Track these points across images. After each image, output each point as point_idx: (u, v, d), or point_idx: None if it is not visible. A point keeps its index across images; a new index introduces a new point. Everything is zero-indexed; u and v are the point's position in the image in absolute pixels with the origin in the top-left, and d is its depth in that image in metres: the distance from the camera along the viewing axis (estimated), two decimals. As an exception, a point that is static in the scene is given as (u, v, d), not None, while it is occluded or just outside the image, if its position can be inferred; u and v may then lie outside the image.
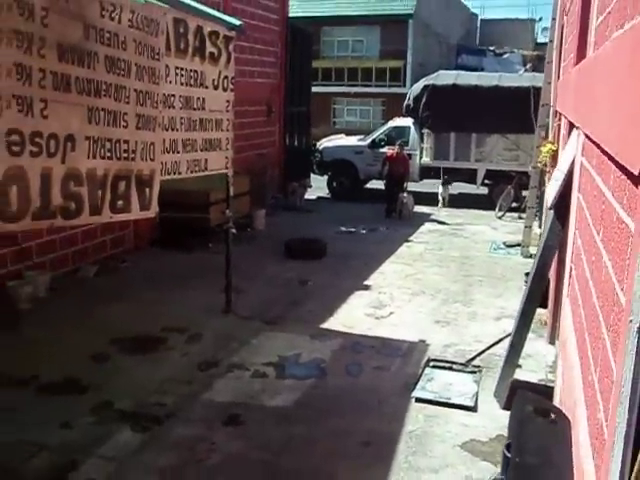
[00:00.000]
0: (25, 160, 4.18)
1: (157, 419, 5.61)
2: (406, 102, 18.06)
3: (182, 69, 6.65)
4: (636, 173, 1.91)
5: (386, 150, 16.50)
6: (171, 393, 6.09)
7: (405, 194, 15.34)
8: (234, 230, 8.23)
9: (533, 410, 3.51)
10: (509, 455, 3.38)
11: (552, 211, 6.13)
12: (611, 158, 2.72)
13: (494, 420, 5.66)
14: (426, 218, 15.24)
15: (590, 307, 3.34)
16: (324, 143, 19.73)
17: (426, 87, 17.15)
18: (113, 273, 9.99)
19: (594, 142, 3.57)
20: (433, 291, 9.48)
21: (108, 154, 5.13)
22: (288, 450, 5.19)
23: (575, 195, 5.19)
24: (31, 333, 7.38)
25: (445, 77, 17.69)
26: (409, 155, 16.17)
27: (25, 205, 4.24)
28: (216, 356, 6.96)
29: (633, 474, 1.64)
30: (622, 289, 2.32)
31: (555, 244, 6.12)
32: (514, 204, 15.48)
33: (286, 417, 5.72)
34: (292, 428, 5.53)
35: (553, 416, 3.50)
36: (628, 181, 2.37)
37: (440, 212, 16.01)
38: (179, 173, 6.80)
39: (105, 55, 4.95)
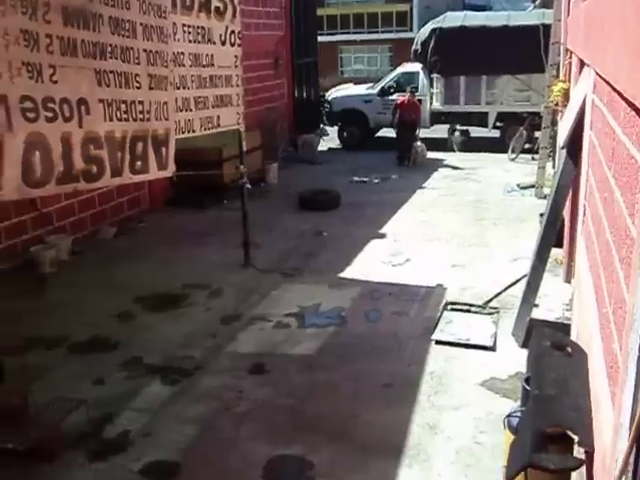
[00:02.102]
0: (42, 126, 4.25)
1: (185, 372, 5.80)
2: (414, 47, 17.80)
3: (189, 26, 6.63)
4: (643, 108, 1.96)
5: (396, 97, 16.35)
6: (197, 346, 6.27)
7: (418, 142, 15.29)
8: (248, 185, 8.30)
9: (550, 345, 3.61)
10: (528, 388, 3.50)
11: (564, 150, 6.13)
12: (620, 95, 2.75)
13: (513, 358, 5.79)
14: (439, 164, 15.20)
15: (604, 243, 3.41)
16: (333, 93, 19.58)
17: (434, 30, 16.87)
18: (131, 234, 10.14)
19: (604, 79, 3.58)
20: (448, 236, 9.54)
21: (124, 116, 5.19)
22: (312, 395, 5.37)
23: (587, 133, 5.20)
24: (57, 296, 7.57)
25: (453, 19, 17.38)
26: (419, 101, 16.01)
27: (49, 170, 4.33)
28: (238, 309, 7.12)
29: None
30: (633, 223, 2.39)
31: (568, 183, 6.15)
32: (527, 145, 15.36)
33: (309, 364, 5.89)
34: (315, 374, 5.70)
35: (570, 350, 3.61)
36: (637, 117, 2.41)
37: (453, 157, 15.94)
38: (193, 131, 6.84)
39: (109, 16, 4.95)
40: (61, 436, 4.70)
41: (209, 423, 5.02)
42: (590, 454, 3.08)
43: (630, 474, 1.99)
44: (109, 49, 4.97)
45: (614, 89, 3.01)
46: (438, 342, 6.24)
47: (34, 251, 8.48)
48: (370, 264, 8.47)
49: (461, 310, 6.98)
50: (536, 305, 6.60)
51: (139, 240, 9.81)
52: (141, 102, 5.38)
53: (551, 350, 3.57)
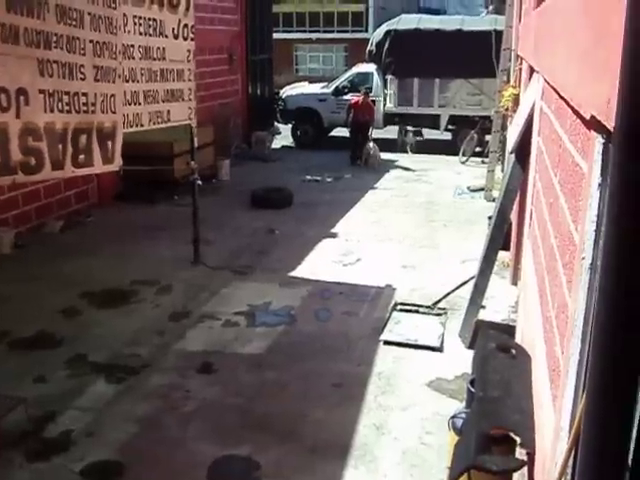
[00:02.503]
0: (-22, 116, 4.12)
1: (132, 370, 5.70)
2: (369, 48, 17.90)
3: (140, 18, 6.52)
4: (587, 117, 2.00)
5: (350, 97, 16.39)
6: (144, 344, 6.18)
7: (371, 144, 15.35)
8: (200, 181, 8.22)
9: (495, 347, 3.68)
10: (473, 390, 3.56)
11: (513, 155, 6.25)
12: (567, 103, 2.81)
13: (459, 359, 5.87)
14: (391, 165, 15.32)
15: (548, 247, 3.48)
16: (287, 91, 19.54)
17: (388, 32, 17.01)
18: (79, 228, 9.92)
19: (552, 87, 3.66)
20: (399, 237, 9.62)
21: (66, 107, 5.05)
22: (261, 395, 5.34)
23: (535, 139, 5.30)
24: (-1, 290, 7.35)
25: (407, 21, 17.54)
26: (373, 101, 16.10)
27: (-16, 162, 4.20)
28: (187, 307, 7.04)
29: (582, 402, 1.77)
30: (576, 229, 2.44)
31: (516, 187, 6.27)
32: (478, 149, 15.61)
33: (258, 363, 5.87)
34: (264, 374, 5.68)
35: (514, 352, 3.68)
36: (582, 125, 2.46)
37: (405, 158, 16.09)
38: (141, 125, 6.73)
39: (56, 4, 4.82)
40: (0, 434, 4.56)
41: (155, 422, 4.95)
42: (532, 455, 3.14)
43: (569, 476, 2.04)
44: (54, 38, 4.83)
45: (561, 97, 3.07)
46: (387, 342, 6.29)
47: (-25, 244, 8.23)
48: (321, 263, 8.48)
49: (410, 311, 7.04)
50: (483, 307, 6.71)
51: (87, 235, 9.60)
52: (85, 94, 5.26)
53: (496, 352, 3.63)
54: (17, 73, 4.48)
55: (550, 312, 3.10)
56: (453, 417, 3.57)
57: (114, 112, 5.77)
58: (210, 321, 6.70)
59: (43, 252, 8.74)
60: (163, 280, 7.73)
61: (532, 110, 5.57)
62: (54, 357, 5.89)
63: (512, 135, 6.66)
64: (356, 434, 4.81)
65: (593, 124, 1.99)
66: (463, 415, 3.57)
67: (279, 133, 17.58)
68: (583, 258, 2.05)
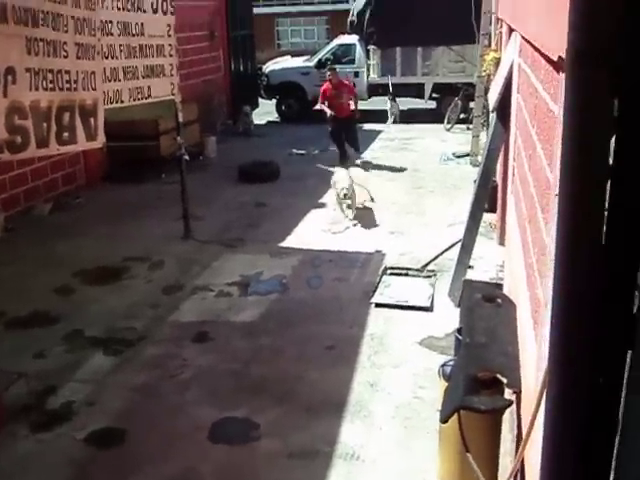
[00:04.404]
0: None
1: (128, 342, 5.80)
2: (350, 18, 17.83)
3: (118, -7, 6.51)
4: (555, 59, 2.09)
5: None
6: (139, 317, 6.27)
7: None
8: (186, 157, 8.25)
9: (481, 297, 3.79)
10: (460, 337, 3.68)
11: (494, 114, 6.33)
12: (540, 52, 2.89)
13: (449, 318, 5.98)
14: (376, 135, 15.35)
15: (529, 197, 3.59)
16: (270, 66, 19.45)
17: (369, 2, 16.93)
18: (68, 210, 9.94)
19: (527, 40, 3.74)
20: (387, 204, 9.71)
21: (50, 85, 5.08)
22: (256, 360, 5.46)
23: (515, 96, 5.39)
24: (-9, 273, 7.41)
25: (388, -10, 17.45)
26: (356, 73, 16.05)
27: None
28: (180, 280, 7.13)
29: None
30: (551, 172, 2.54)
31: (498, 146, 6.36)
32: (462, 115, 15.65)
33: (252, 331, 5.97)
34: (259, 340, 5.79)
35: (499, 301, 3.79)
36: (554, 72, 2.55)
37: (390, 128, 16.11)
38: (121, 101, 6.75)
39: (41, -20, 4.84)
40: (3, 407, 4.66)
41: (154, 390, 5.06)
42: (518, 395, 3.27)
43: (550, 401, 2.15)
44: (41, 16, 4.86)
45: (535, 48, 3.16)
46: (378, 305, 6.40)
47: (-35, 228, 8.25)
48: (310, 233, 8.57)
49: (399, 274, 7.15)
50: (471, 267, 6.83)
51: (76, 216, 9.63)
52: (68, 72, 5.28)
53: (482, 302, 3.75)
54: (6, 52, 4.51)
55: (532, 258, 3.22)
56: (443, 365, 3.69)
57: (94, 89, 5.79)
58: (203, 293, 6.80)
59: (33, 234, 8.78)
60: (155, 256, 7.80)
61: (511, 69, 5.65)
62: (51, 334, 5.97)
63: (493, 94, 6.73)
64: (351, 392, 4.94)
65: (561, 65, 2.08)
66: (452, 363, 3.68)
67: (257, 106, 17.51)
68: (556, 195, 2.15)
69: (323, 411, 4.72)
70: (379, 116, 16.82)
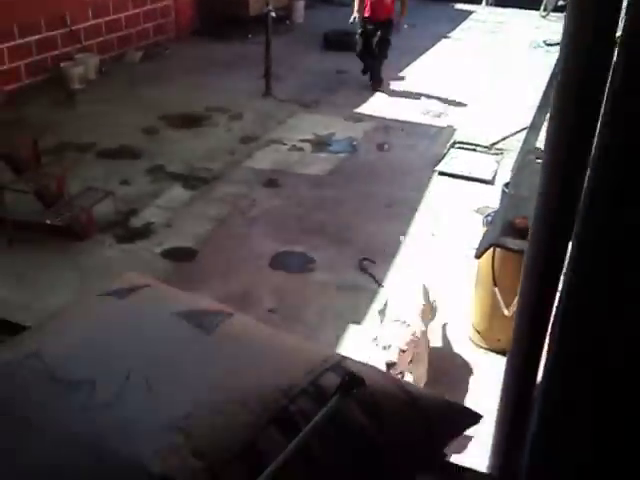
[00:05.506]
0: None
1: (204, 180, 6.31)
2: None
3: None
4: None
5: None
6: (216, 160, 6.74)
7: None
8: (273, 13, 8.40)
9: (534, 157, 4.00)
10: (506, 190, 3.94)
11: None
12: None
13: (508, 191, 6.19)
14: (467, 15, 14.88)
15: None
16: None
17: None
18: (157, 59, 10.32)
19: None
20: (466, 82, 9.65)
21: None
22: (319, 207, 5.87)
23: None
24: (86, 109, 7.97)
25: None
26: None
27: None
28: (256, 132, 7.51)
29: None
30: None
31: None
32: (560, 2, 14.91)
33: (318, 183, 6.36)
34: (323, 191, 6.18)
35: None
36: None
37: (484, 10, 15.55)
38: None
39: None
40: (93, 217, 5.27)
41: (224, 221, 5.58)
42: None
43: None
44: None
45: None
46: (441, 173, 6.65)
47: (64, 67, 8.76)
48: (386, 103, 8.71)
49: (467, 149, 7.32)
50: (537, 148, 6.90)
51: (164, 66, 10.02)
52: None
53: (533, 161, 3.97)
54: None
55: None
56: (486, 215, 3.97)
57: None
58: (277, 145, 7.18)
59: (124, 79, 9.24)
60: (235, 108, 8.17)
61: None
62: (136, 166, 6.53)
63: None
64: (402, 245, 5.31)
65: None
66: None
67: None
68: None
69: (374, 257, 5.12)
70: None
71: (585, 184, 1.08)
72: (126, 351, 1.23)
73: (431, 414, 1.31)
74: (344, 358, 1.32)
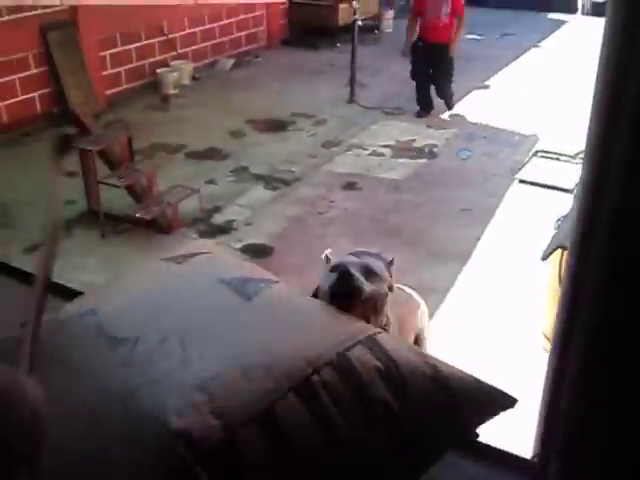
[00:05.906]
0: None
1: (285, 181, 6.54)
2: None
3: None
4: None
5: None
6: (298, 163, 6.96)
7: None
8: (360, 22, 8.58)
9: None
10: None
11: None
12: None
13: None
14: (559, 26, 14.53)
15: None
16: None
17: None
18: (247, 67, 10.71)
19: None
20: (552, 92, 9.50)
21: None
22: (395, 210, 5.97)
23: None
24: (178, 113, 8.40)
25: None
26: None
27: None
28: (338, 137, 7.69)
29: None
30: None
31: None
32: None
33: (397, 187, 6.46)
34: (401, 195, 6.28)
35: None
36: None
37: (578, 20, 15.18)
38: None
39: None
40: (177, 214, 5.57)
41: (302, 221, 5.77)
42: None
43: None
44: None
45: None
46: (522, 181, 6.60)
47: (160, 73, 9.25)
48: (468, 111, 8.70)
49: (550, 158, 7.23)
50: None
51: (254, 73, 10.38)
52: None
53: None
54: None
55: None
56: (558, 219, 3.96)
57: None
58: (358, 150, 7.33)
59: (216, 85, 9.66)
60: (319, 114, 8.39)
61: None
62: (221, 167, 6.84)
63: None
64: (476, 249, 5.33)
65: None
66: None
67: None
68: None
69: (447, 259, 5.18)
70: (564, 4, 15.83)
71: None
72: (169, 313, 1.35)
73: (459, 392, 1.31)
74: (378, 332, 1.36)
